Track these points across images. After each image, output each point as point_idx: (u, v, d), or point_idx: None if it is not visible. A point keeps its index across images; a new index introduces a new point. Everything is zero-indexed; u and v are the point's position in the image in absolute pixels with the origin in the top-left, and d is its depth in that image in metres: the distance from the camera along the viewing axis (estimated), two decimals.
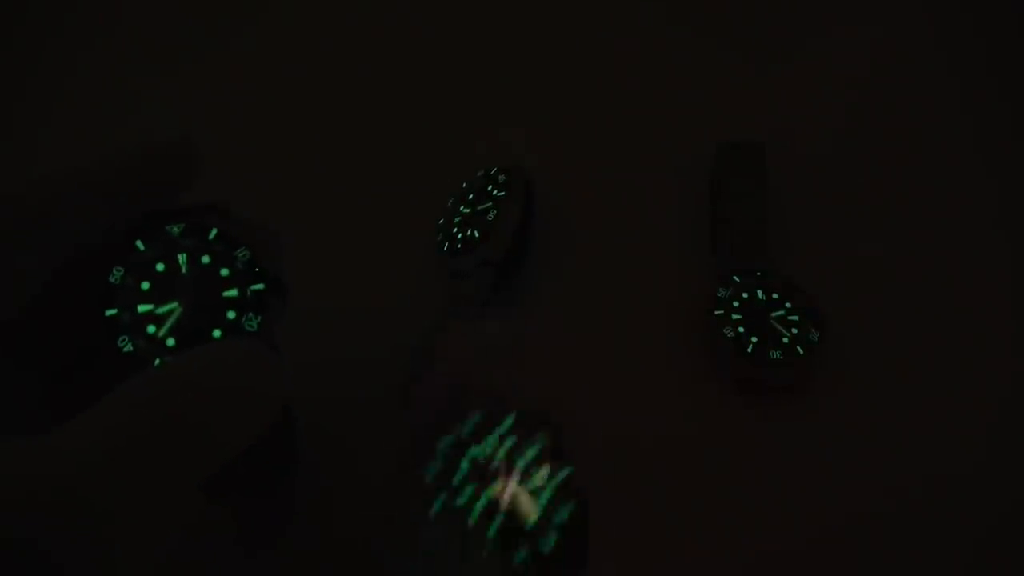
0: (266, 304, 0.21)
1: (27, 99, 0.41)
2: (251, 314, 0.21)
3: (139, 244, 0.21)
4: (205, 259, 0.21)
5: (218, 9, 0.44)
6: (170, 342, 0.20)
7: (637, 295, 0.34)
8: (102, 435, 0.15)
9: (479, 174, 0.35)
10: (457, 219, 0.34)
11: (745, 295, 0.32)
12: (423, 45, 0.42)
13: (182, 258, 0.21)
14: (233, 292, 0.21)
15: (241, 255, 0.21)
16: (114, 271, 0.20)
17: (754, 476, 0.30)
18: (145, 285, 0.21)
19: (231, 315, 0.21)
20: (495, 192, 0.33)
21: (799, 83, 0.40)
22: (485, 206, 0.33)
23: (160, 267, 0.21)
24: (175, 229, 0.21)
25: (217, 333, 0.20)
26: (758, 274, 0.33)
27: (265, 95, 0.41)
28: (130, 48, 0.43)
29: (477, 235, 0.32)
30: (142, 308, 0.20)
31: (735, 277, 0.33)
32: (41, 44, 0.43)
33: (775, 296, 0.32)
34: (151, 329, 0.20)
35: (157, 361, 0.20)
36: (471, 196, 0.34)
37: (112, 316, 0.20)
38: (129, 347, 0.20)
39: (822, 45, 0.41)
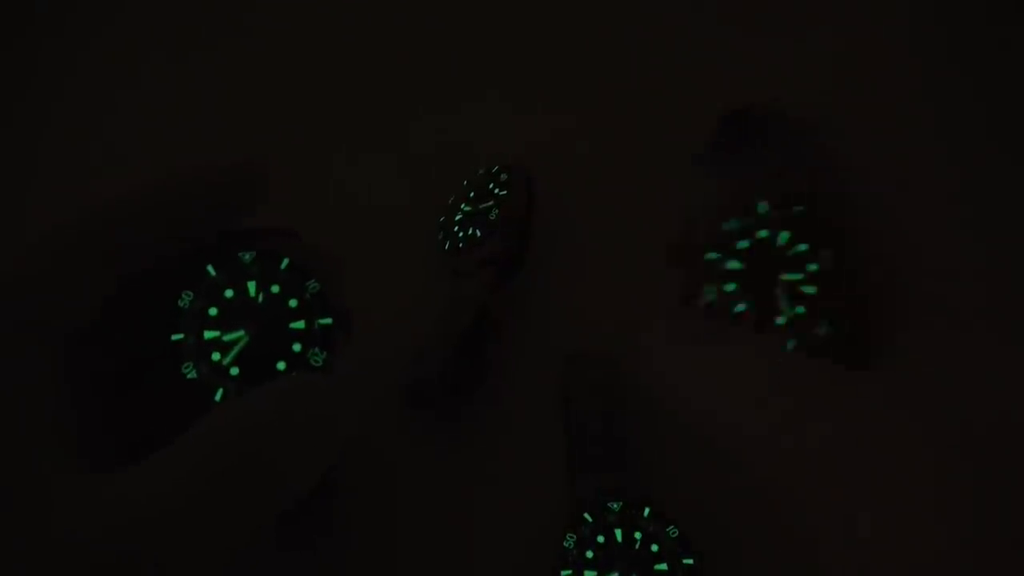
0: (332, 339, 0.21)
1: (27, 99, 0.41)
2: (317, 349, 0.21)
3: (210, 269, 0.21)
4: (275, 288, 0.21)
5: (217, 9, 0.44)
6: (234, 371, 0.20)
7: (638, 295, 0.34)
8: (185, 477, 0.15)
9: (480, 172, 0.35)
10: (458, 217, 0.34)
11: None
12: (423, 43, 0.42)
13: (252, 286, 0.21)
14: (300, 324, 0.21)
15: (311, 287, 0.21)
16: (183, 295, 0.20)
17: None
18: (213, 311, 0.20)
19: (297, 348, 0.20)
20: (497, 190, 0.33)
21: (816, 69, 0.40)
22: (487, 204, 0.33)
23: (229, 294, 0.21)
24: (247, 257, 0.21)
25: (282, 365, 0.20)
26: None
27: (265, 93, 0.41)
28: (130, 48, 0.43)
29: (479, 233, 0.32)
30: (208, 334, 0.20)
31: None
32: (41, 44, 0.43)
33: None
34: (216, 356, 0.20)
35: (220, 391, 0.19)
36: (472, 194, 0.34)
37: (178, 341, 0.20)
38: (193, 374, 0.20)
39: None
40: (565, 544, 0.27)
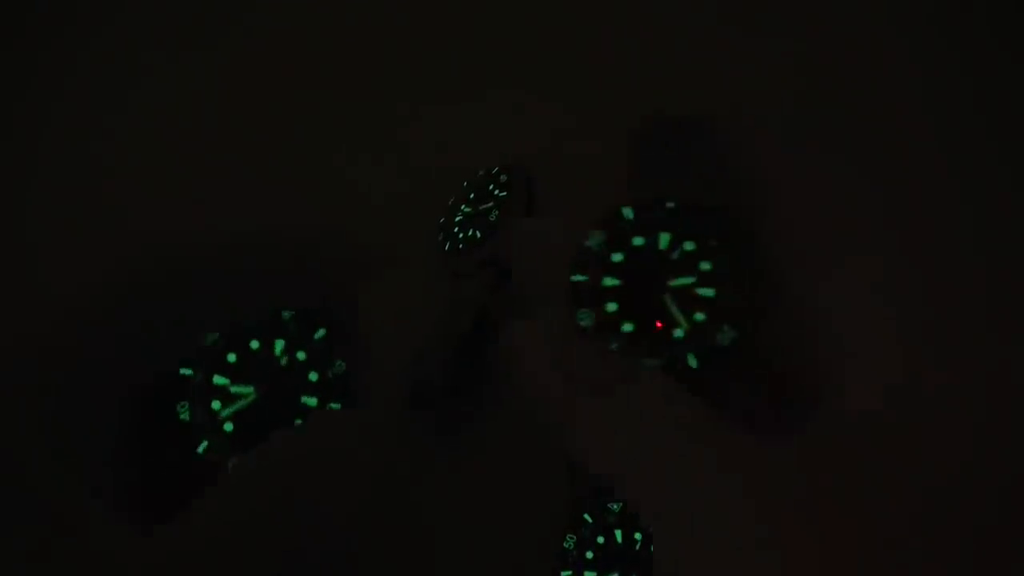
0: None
1: (27, 99, 0.41)
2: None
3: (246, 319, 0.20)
4: (301, 355, 0.20)
5: (217, 9, 0.44)
6: (227, 426, 0.19)
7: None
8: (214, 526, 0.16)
9: (480, 173, 0.35)
10: (458, 218, 0.34)
11: None
12: (423, 43, 0.42)
13: (279, 344, 0.20)
14: (312, 401, 0.20)
15: (338, 366, 0.20)
16: (209, 334, 0.19)
17: None
18: (232, 357, 0.20)
19: (298, 421, 0.20)
20: (497, 191, 0.33)
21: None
22: (487, 205, 0.33)
23: (255, 345, 0.20)
24: (286, 314, 0.20)
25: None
26: None
27: (264, 93, 0.41)
28: (130, 47, 0.42)
29: (479, 235, 0.32)
30: (218, 380, 0.19)
31: None
32: (41, 44, 0.43)
33: None
34: (216, 405, 0.19)
35: (204, 444, 0.19)
36: (472, 195, 0.34)
37: (185, 376, 0.19)
38: (186, 415, 0.19)
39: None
40: (565, 545, 0.27)
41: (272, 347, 0.20)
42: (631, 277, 0.19)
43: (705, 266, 0.19)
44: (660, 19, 0.42)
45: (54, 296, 0.20)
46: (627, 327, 0.19)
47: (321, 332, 0.20)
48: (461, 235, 0.33)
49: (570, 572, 0.27)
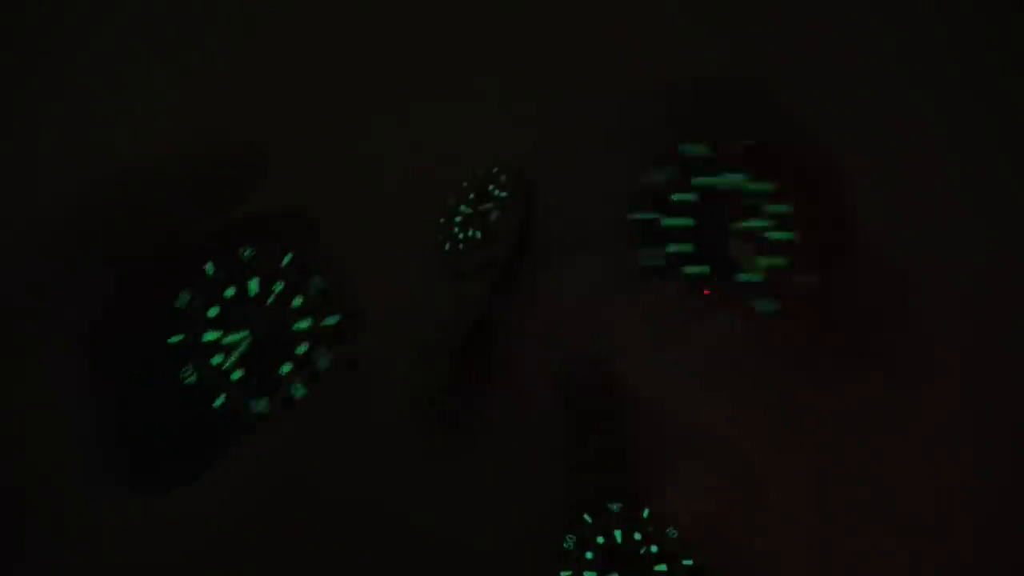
0: (340, 338, 0.20)
1: (27, 99, 0.41)
2: (323, 349, 0.20)
3: (209, 267, 0.19)
4: (277, 286, 0.20)
5: (216, 8, 0.44)
6: (236, 375, 0.19)
7: (638, 296, 0.34)
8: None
9: (479, 173, 0.35)
10: (458, 219, 0.34)
11: None
12: (424, 43, 0.42)
13: (253, 284, 0.20)
14: (304, 324, 0.20)
15: (316, 284, 0.20)
16: (181, 295, 0.19)
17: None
18: (213, 311, 0.19)
19: (302, 349, 0.19)
20: (497, 192, 0.33)
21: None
22: (487, 206, 0.33)
23: (230, 292, 0.19)
24: (247, 252, 0.20)
25: (286, 368, 0.19)
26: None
27: (263, 93, 0.41)
28: (130, 47, 0.42)
29: (479, 235, 0.32)
30: (208, 336, 0.19)
31: None
32: (41, 44, 0.43)
33: None
34: (217, 360, 0.19)
35: (221, 397, 0.18)
36: (472, 196, 0.34)
37: (176, 343, 0.19)
38: (193, 378, 0.18)
39: None
40: (565, 545, 0.27)
41: (247, 289, 0.20)
42: (699, 217, 0.17)
43: (779, 209, 0.17)
44: (662, 19, 0.42)
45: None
46: (694, 269, 0.17)
47: (287, 257, 0.20)
48: (461, 236, 0.33)
49: (570, 572, 0.27)
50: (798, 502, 0.30)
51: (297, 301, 0.20)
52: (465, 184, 0.35)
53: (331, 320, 0.20)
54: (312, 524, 0.29)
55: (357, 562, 0.29)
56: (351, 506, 0.29)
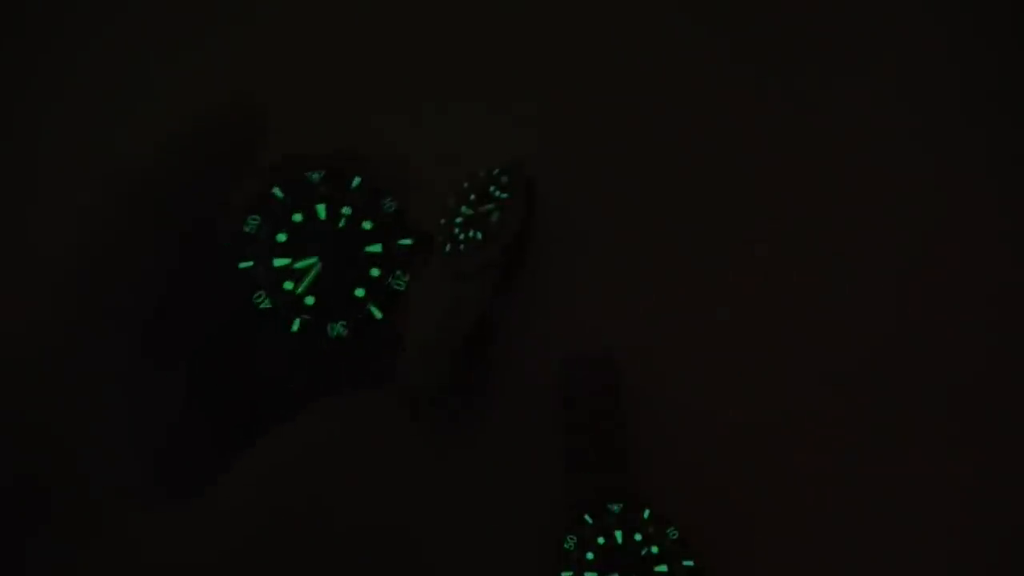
0: (411, 261, 0.19)
1: (27, 99, 0.41)
2: (399, 272, 0.19)
3: (277, 191, 0.19)
4: (346, 210, 0.19)
5: (216, 8, 0.44)
6: (309, 300, 0.18)
7: (638, 296, 0.34)
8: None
9: (480, 174, 0.35)
10: (458, 220, 0.34)
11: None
12: (424, 43, 0.42)
13: (321, 208, 0.19)
14: (377, 247, 0.19)
15: (387, 206, 0.19)
16: (250, 220, 0.19)
17: None
18: (281, 237, 0.19)
19: (375, 272, 0.19)
20: (497, 192, 0.33)
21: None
22: (487, 207, 0.33)
23: (297, 217, 0.19)
24: (315, 176, 0.19)
25: (360, 292, 0.19)
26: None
27: (263, 93, 0.41)
28: (130, 47, 0.42)
29: (479, 236, 0.32)
30: (278, 262, 0.19)
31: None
32: (41, 44, 0.43)
33: None
34: (288, 285, 0.18)
35: (297, 322, 0.18)
36: (472, 196, 0.34)
37: (246, 269, 0.18)
38: (267, 303, 0.18)
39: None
40: (565, 546, 0.27)
41: (315, 213, 0.19)
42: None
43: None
44: (662, 20, 0.42)
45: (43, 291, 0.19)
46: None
47: (356, 181, 0.20)
48: (462, 236, 0.33)
49: (570, 572, 0.27)
50: (799, 502, 0.31)
51: (367, 224, 0.19)
52: (465, 185, 0.35)
53: (405, 242, 0.19)
54: (311, 524, 0.29)
55: (356, 561, 0.29)
56: (350, 506, 0.29)
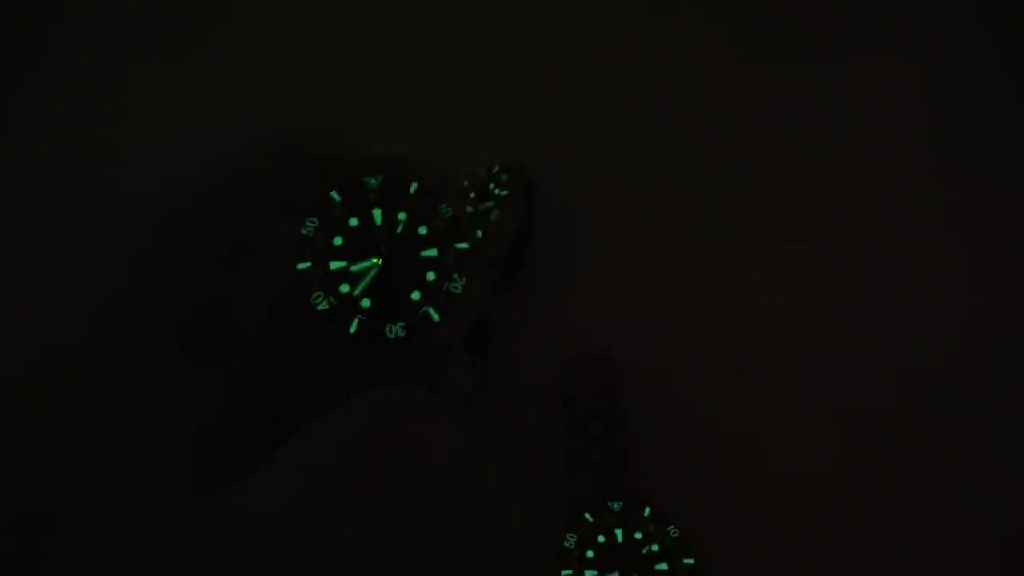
0: (466, 267, 0.19)
1: (27, 99, 0.41)
2: (456, 275, 0.19)
3: (334, 195, 0.19)
4: (402, 215, 0.20)
5: (215, 8, 0.44)
6: (365, 303, 0.19)
7: (638, 296, 0.34)
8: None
9: (481, 172, 0.35)
10: None
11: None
12: (424, 42, 0.42)
13: (377, 214, 0.20)
14: (433, 252, 0.19)
15: (443, 211, 0.20)
16: (307, 223, 0.19)
17: None
18: (338, 240, 0.19)
19: (431, 276, 0.19)
20: (497, 191, 0.33)
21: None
22: (488, 205, 0.33)
23: (354, 222, 0.19)
24: (372, 182, 0.20)
25: (416, 295, 0.19)
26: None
27: (262, 93, 0.41)
28: (130, 47, 0.42)
29: (480, 234, 0.32)
30: (334, 265, 0.19)
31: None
32: (41, 44, 0.43)
33: None
34: (344, 288, 0.19)
35: (355, 322, 0.18)
36: (473, 195, 0.34)
37: (304, 270, 0.19)
38: (324, 304, 0.18)
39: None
40: (566, 544, 0.27)
41: (372, 218, 0.20)
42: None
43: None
44: (662, 21, 0.42)
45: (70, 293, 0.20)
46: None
47: (414, 187, 0.20)
48: None
49: (571, 572, 0.27)
50: (799, 501, 0.30)
51: (423, 230, 0.20)
52: (466, 183, 0.35)
53: (461, 246, 0.20)
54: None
55: (364, 560, 0.29)
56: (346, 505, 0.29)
